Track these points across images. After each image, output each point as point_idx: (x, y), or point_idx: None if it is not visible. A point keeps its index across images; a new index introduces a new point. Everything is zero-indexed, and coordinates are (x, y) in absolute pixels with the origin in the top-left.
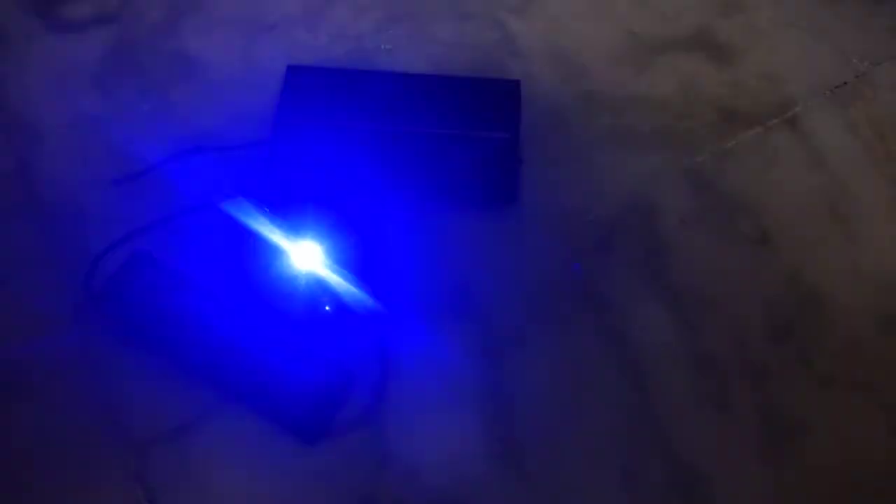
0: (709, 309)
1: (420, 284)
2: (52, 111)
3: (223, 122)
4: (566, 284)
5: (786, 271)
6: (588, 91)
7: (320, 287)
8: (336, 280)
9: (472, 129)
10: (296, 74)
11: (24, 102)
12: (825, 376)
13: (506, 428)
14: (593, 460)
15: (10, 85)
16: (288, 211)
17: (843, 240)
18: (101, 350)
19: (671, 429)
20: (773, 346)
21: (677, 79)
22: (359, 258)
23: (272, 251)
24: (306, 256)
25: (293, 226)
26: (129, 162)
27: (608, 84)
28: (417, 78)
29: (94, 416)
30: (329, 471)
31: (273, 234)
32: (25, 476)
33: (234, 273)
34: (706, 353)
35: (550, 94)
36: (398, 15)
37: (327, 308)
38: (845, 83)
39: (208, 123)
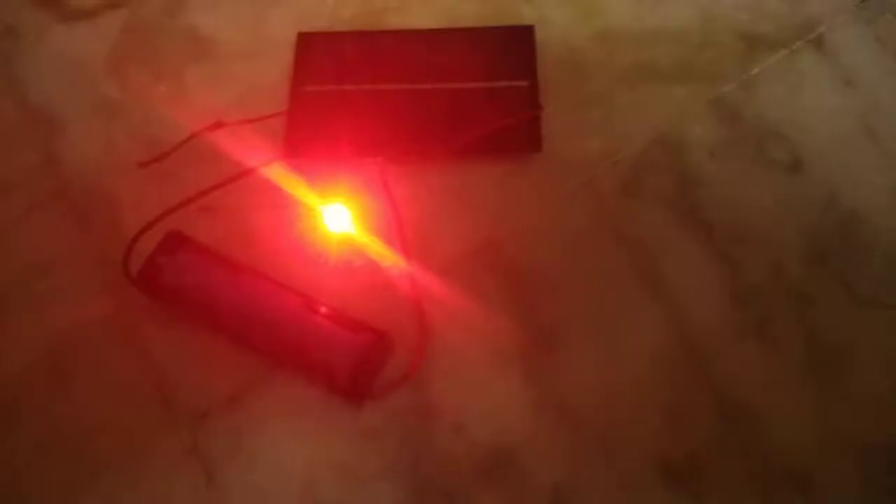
0: (744, 241)
1: (449, 240)
2: (72, 101)
3: (241, 95)
4: (598, 230)
5: (821, 196)
6: (604, 30)
7: (353, 251)
8: (367, 242)
9: (490, 80)
10: (307, 41)
11: (42, 95)
12: (867, 298)
13: (547, 376)
14: (637, 401)
15: (27, 80)
16: (313, 176)
17: (879, 159)
18: (147, 329)
19: (714, 363)
20: (812, 273)
21: (695, 8)
22: (387, 219)
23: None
24: (336, 219)
25: (321, 190)
26: (153, 144)
27: (624, 20)
28: (429, 34)
29: (144, 394)
30: (378, 428)
31: (302, 199)
32: (83, 458)
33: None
34: (745, 285)
35: (566, 36)
36: None
37: (362, 274)
38: None
39: (226, 98)
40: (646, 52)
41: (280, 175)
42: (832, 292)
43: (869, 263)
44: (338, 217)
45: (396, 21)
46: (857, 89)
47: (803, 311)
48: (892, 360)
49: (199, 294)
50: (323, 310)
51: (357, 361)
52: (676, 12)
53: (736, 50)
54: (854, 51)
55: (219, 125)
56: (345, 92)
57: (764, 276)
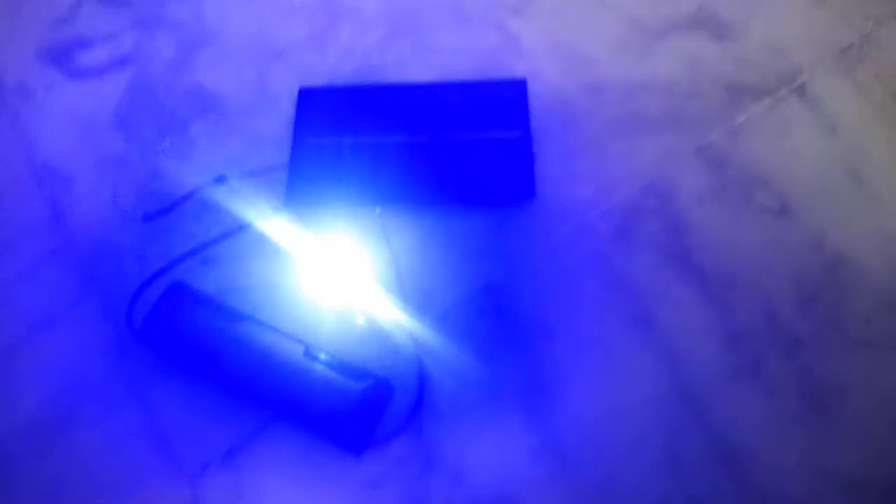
0: (736, 284)
1: (447, 287)
2: (79, 156)
3: (243, 150)
4: (592, 275)
5: (809, 240)
6: (594, 82)
7: (352, 300)
8: (366, 290)
9: (485, 132)
10: (308, 96)
11: (51, 151)
12: (858, 339)
13: (545, 422)
14: (635, 445)
15: (36, 136)
16: (313, 227)
17: (864, 202)
18: (148, 381)
19: (709, 406)
20: (804, 315)
21: (682, 60)
22: (386, 267)
23: (304, 267)
24: (335, 269)
25: (320, 241)
26: (157, 197)
27: (613, 73)
28: (426, 87)
29: (145, 446)
30: (378, 479)
31: (302, 250)
32: None
33: (269, 293)
34: (737, 327)
35: (557, 88)
36: (401, 28)
37: (360, 320)
38: (850, 46)
39: (229, 153)
40: (634, 102)
41: (281, 226)
42: (823, 334)
43: (858, 305)
44: (337, 266)
45: (394, 75)
46: (841, 135)
47: (795, 353)
48: (883, 399)
49: (201, 346)
50: (323, 357)
51: (357, 409)
52: (663, 64)
53: (722, 99)
54: (836, 98)
55: (222, 178)
56: (344, 144)
57: (756, 318)
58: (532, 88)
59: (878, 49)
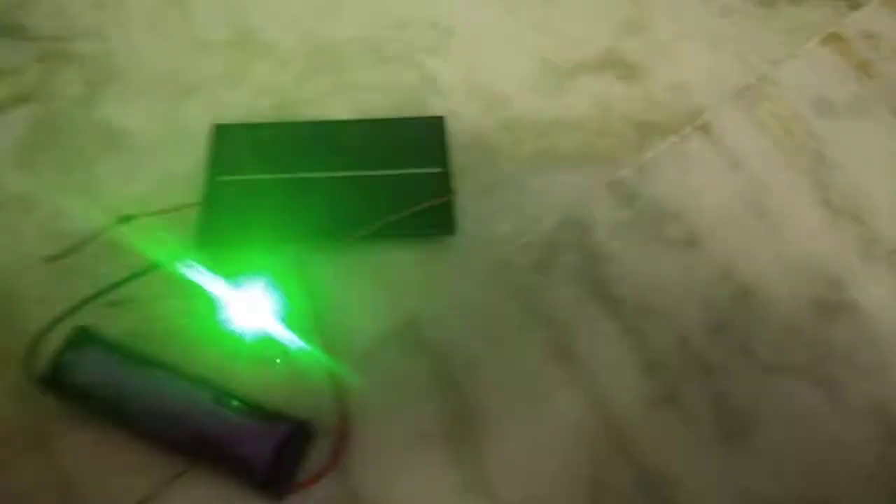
0: (650, 314)
1: (368, 323)
2: None
3: (153, 188)
4: (513, 308)
5: (717, 269)
6: (509, 119)
7: (269, 341)
8: (284, 329)
9: (404, 168)
10: (223, 133)
11: None
12: (767, 363)
13: (471, 457)
14: (561, 478)
15: None
16: (227, 266)
17: (767, 233)
18: (53, 431)
19: (631, 434)
20: (714, 342)
21: (592, 99)
22: (304, 305)
23: (217, 308)
24: (250, 309)
25: (234, 280)
26: (60, 238)
27: (527, 111)
28: (345, 124)
29: (52, 499)
30: None
31: (215, 290)
32: None
33: (180, 336)
34: (654, 356)
35: (474, 126)
36: (318, 65)
37: (278, 361)
38: (749, 86)
39: (138, 191)
40: (549, 139)
41: (192, 266)
42: (733, 359)
43: (765, 331)
44: (253, 306)
45: (311, 112)
46: (743, 170)
47: (708, 379)
48: (794, 421)
49: (108, 392)
50: (236, 403)
51: (275, 454)
52: (575, 103)
53: (631, 136)
54: (737, 134)
55: (130, 217)
56: (261, 181)
57: (670, 346)
58: (450, 126)
59: (774, 88)
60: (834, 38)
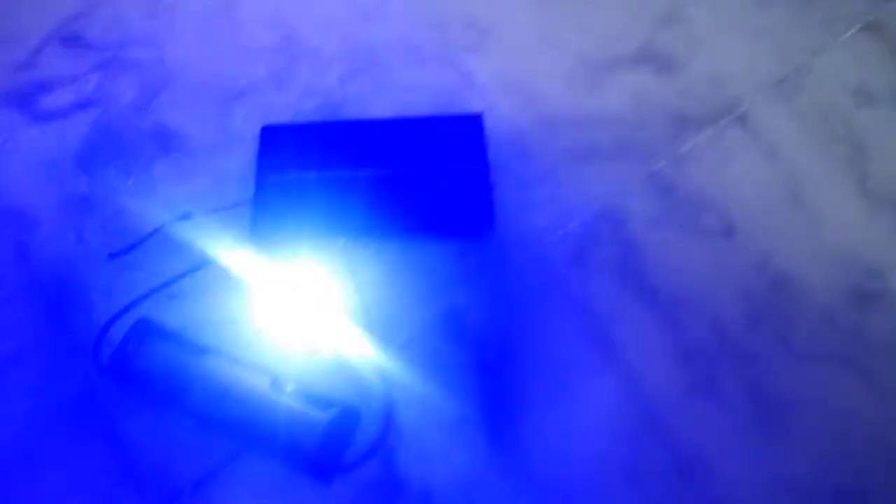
0: (687, 303)
1: (411, 316)
2: (43, 197)
3: (207, 187)
4: (550, 299)
5: (754, 259)
6: (546, 115)
7: (319, 331)
8: (331, 320)
9: (444, 165)
10: (270, 133)
11: (15, 193)
12: (804, 353)
13: (510, 442)
14: (598, 461)
15: (0, 179)
16: (277, 261)
17: (804, 222)
18: (117, 416)
19: (666, 421)
20: (752, 331)
21: (629, 93)
22: (350, 298)
23: (269, 299)
24: (301, 300)
25: (286, 273)
26: (121, 236)
27: (564, 106)
28: (386, 123)
29: (116, 480)
30: (347, 503)
31: (267, 282)
32: None
33: (235, 326)
34: (690, 345)
35: (511, 122)
36: (359, 67)
37: (327, 352)
38: (787, 77)
39: (193, 190)
40: (586, 134)
41: (246, 261)
42: (770, 348)
43: (802, 319)
44: (303, 298)
45: (354, 112)
46: (781, 160)
47: (745, 367)
48: (828, 408)
49: (168, 380)
50: (289, 388)
51: (324, 437)
52: (612, 98)
53: (667, 129)
54: (775, 125)
55: (187, 215)
56: (307, 180)
57: (706, 335)
58: (488, 122)
59: (812, 79)
60: (873, 27)
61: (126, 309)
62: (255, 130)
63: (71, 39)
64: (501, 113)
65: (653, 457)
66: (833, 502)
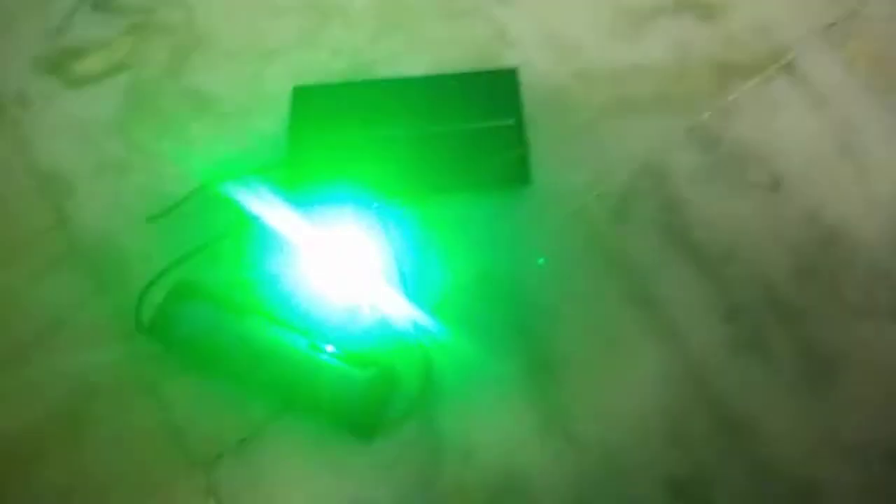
0: (732, 260)
1: (448, 275)
2: (80, 162)
3: (241, 148)
4: (590, 256)
5: (803, 213)
6: (584, 68)
7: (356, 291)
8: (368, 280)
9: (478, 121)
10: (302, 94)
11: (52, 159)
12: (856, 307)
13: (550, 401)
14: (640, 421)
15: (37, 144)
16: (314, 221)
17: (854, 174)
18: (160, 377)
19: (712, 379)
20: (801, 286)
21: (670, 43)
22: (386, 257)
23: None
24: (338, 260)
25: (322, 234)
26: (159, 198)
27: (602, 58)
28: (419, 80)
29: (159, 440)
30: (388, 463)
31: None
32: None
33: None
34: (736, 301)
35: (548, 76)
36: (390, 24)
37: (365, 311)
38: (836, 22)
39: (227, 152)
40: (625, 86)
41: (282, 221)
42: (821, 304)
43: (854, 274)
44: (340, 258)
45: (386, 71)
46: (830, 109)
47: (794, 324)
48: (880, 365)
49: (210, 340)
50: (329, 348)
51: (364, 397)
52: (652, 48)
53: (711, 79)
54: (824, 73)
55: (223, 177)
56: (340, 139)
57: (754, 292)
58: (523, 77)
59: (862, 24)
60: None
61: (165, 271)
62: (286, 90)
63: (101, 4)
64: (537, 67)
65: (697, 416)
66: (884, 462)
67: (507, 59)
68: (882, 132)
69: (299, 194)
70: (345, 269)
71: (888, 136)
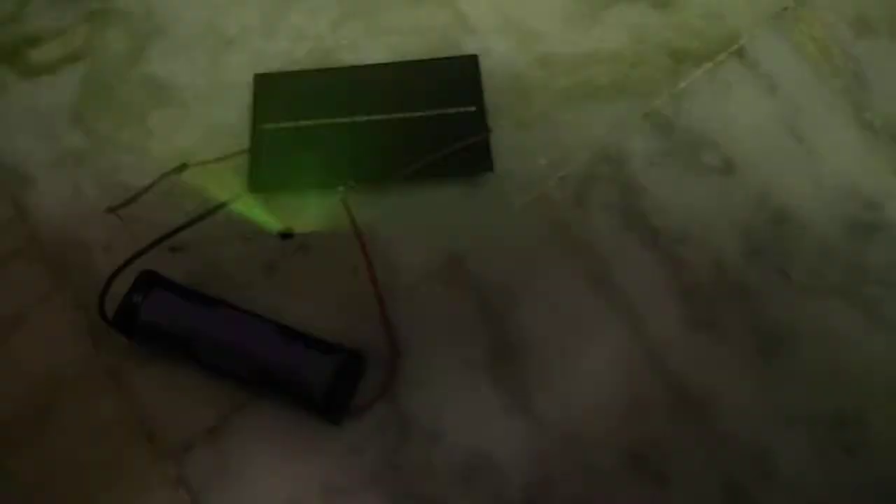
0: (687, 241)
1: (413, 259)
2: (39, 153)
3: (202, 138)
4: (552, 241)
5: (754, 195)
6: (543, 55)
7: (320, 274)
8: (333, 266)
9: (440, 108)
10: (264, 82)
11: (10, 150)
12: (804, 285)
13: (515, 380)
14: (601, 399)
15: None
16: (278, 209)
17: (804, 156)
18: (125, 368)
19: (669, 357)
20: (751, 265)
21: (626, 30)
22: (352, 243)
23: (270, 247)
24: (301, 247)
25: (286, 221)
26: (120, 189)
27: (561, 45)
28: (380, 67)
29: (127, 432)
30: (359, 445)
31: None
32: (73, 498)
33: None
34: (690, 282)
35: (508, 63)
36: (352, 11)
37: (331, 297)
38: (785, 9)
39: (188, 142)
40: (583, 72)
41: (246, 210)
42: (771, 282)
43: (802, 254)
44: (303, 245)
45: (348, 58)
46: (780, 94)
47: (745, 302)
48: (830, 340)
49: (175, 330)
50: (295, 334)
51: (333, 381)
52: (608, 35)
53: (665, 66)
54: (773, 59)
55: (183, 167)
56: (303, 127)
57: (708, 272)
58: (484, 64)
59: (811, 9)
60: None
61: (128, 262)
62: (248, 78)
63: None
64: (497, 54)
65: (655, 392)
66: (832, 425)
67: (468, 47)
68: (828, 115)
69: (262, 182)
70: (308, 256)
71: (834, 120)
